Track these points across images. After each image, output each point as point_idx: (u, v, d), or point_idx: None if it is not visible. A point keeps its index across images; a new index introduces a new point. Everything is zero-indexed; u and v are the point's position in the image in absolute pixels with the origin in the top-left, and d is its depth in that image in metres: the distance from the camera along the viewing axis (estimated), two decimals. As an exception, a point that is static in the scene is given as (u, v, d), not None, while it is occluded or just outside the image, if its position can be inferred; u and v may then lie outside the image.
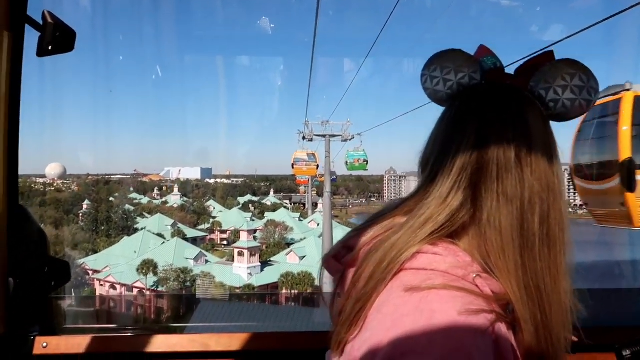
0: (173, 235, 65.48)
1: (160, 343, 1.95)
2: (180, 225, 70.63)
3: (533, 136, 1.02)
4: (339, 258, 1.12)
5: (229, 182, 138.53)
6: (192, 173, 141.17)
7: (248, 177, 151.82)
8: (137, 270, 49.17)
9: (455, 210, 1.00)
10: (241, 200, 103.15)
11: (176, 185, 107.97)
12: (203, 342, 1.94)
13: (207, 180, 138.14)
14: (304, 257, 52.38)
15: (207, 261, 53.49)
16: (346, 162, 31.52)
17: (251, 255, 50.27)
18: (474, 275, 0.96)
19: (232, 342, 1.95)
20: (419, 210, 1.02)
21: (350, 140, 32.45)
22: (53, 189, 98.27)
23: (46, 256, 1.83)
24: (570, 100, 1.05)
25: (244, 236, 52.91)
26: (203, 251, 56.02)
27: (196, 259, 52.20)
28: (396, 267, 0.97)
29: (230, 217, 78.78)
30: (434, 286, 0.92)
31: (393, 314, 0.92)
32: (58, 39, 1.65)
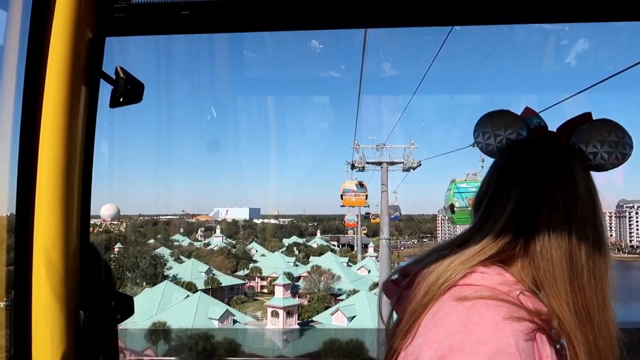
0: (206, 284, 55.23)
1: None
2: (215, 271, 60.04)
3: (577, 182, 1.12)
4: (397, 283, 1.22)
5: (277, 222, 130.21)
6: (241, 213, 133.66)
7: (296, 217, 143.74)
8: (145, 335, 38.10)
9: (505, 245, 1.10)
10: (286, 242, 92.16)
11: (218, 226, 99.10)
12: None
13: (255, 220, 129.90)
14: (354, 317, 38.81)
15: (235, 321, 40.72)
16: (451, 206, 16.29)
17: (288, 315, 38.47)
18: (518, 293, 1.05)
19: None
20: (473, 245, 1.12)
21: (415, 168, 23.03)
22: (101, 229, 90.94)
23: (112, 290, 1.87)
24: (607, 153, 1.15)
25: (279, 291, 40.92)
26: (230, 309, 43.13)
27: (221, 319, 39.50)
28: (449, 284, 1.06)
29: (271, 262, 67.49)
30: (481, 296, 1.02)
31: (444, 319, 1.01)
32: (129, 91, 1.79)
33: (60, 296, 1.64)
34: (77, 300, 1.69)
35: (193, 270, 59.10)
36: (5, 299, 1.78)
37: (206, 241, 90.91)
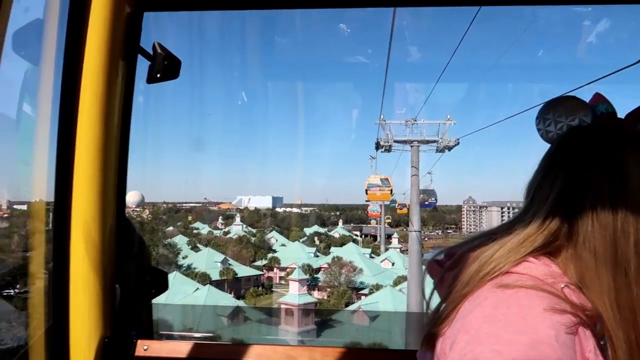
0: (221, 275, 55.49)
1: (247, 353, 1.99)
2: (231, 261, 60.19)
3: (629, 170, 1.07)
4: (441, 263, 1.23)
5: (299, 211, 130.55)
6: (263, 202, 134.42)
7: (318, 206, 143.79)
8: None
9: (552, 233, 1.10)
10: (307, 231, 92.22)
11: (238, 214, 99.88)
12: (286, 352, 1.97)
13: (277, 209, 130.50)
14: (376, 317, 38.11)
15: (246, 318, 37.49)
16: None
17: (304, 315, 36.25)
18: (563, 285, 1.05)
19: (315, 355, 1.96)
20: (519, 231, 1.12)
21: (451, 148, 21.62)
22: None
23: (147, 266, 1.96)
24: None
25: (294, 287, 39.74)
26: (242, 304, 42.97)
27: (231, 316, 36.61)
28: (491, 277, 1.06)
29: (291, 252, 67.41)
30: (523, 285, 1.02)
31: (484, 306, 1.01)
32: (166, 67, 1.83)
33: (98, 270, 1.72)
34: (114, 274, 1.77)
35: (208, 259, 58.76)
36: (44, 271, 1.87)
37: (226, 229, 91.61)
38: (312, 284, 54.12)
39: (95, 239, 1.68)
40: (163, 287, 1.88)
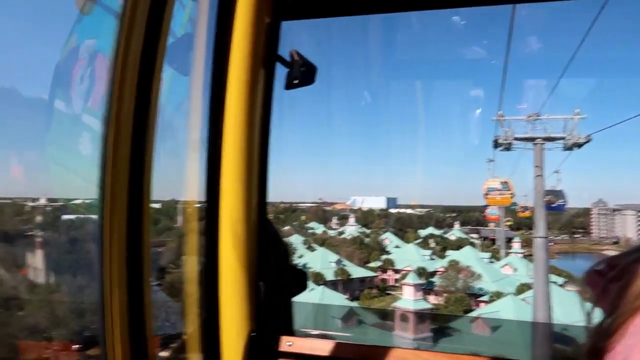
0: (336, 275, 56.31)
1: (388, 355, 2.01)
2: (345, 262, 61.01)
3: None
4: (601, 273, 1.15)
5: (413, 212, 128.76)
6: (377, 202, 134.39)
7: (433, 207, 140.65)
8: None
9: None
10: (422, 233, 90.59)
11: (352, 215, 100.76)
12: (427, 358, 1.99)
13: (391, 210, 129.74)
14: (498, 327, 35.92)
15: (360, 321, 37.24)
16: None
17: (419, 321, 34.71)
18: None
19: None
20: None
21: (581, 146, 19.24)
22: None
23: (287, 264, 2.08)
24: None
25: (408, 292, 38.74)
26: (356, 306, 42.43)
27: (344, 318, 35.90)
28: None
29: (405, 254, 66.87)
30: None
31: None
32: (303, 73, 1.96)
33: (243, 267, 1.85)
34: (257, 271, 1.89)
35: (323, 259, 59.95)
36: (196, 267, 2.04)
37: (340, 229, 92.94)
38: (427, 288, 53.02)
39: (241, 237, 1.81)
40: (302, 286, 1.96)
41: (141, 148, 1.49)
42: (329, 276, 55.99)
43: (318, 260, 59.73)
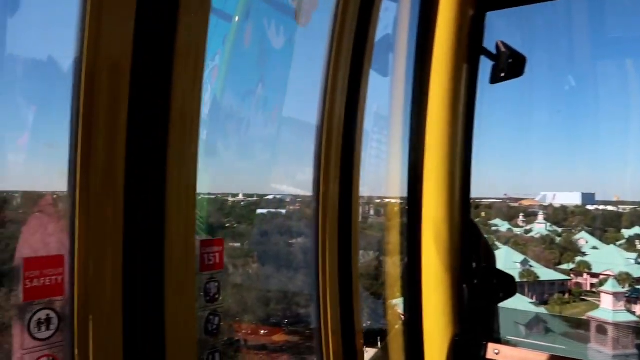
0: (521, 277, 52.73)
1: None
2: (532, 263, 56.78)
3: None
4: None
5: (614, 209, 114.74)
6: (572, 198, 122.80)
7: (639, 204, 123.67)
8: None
9: None
10: (626, 233, 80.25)
11: (541, 212, 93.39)
12: None
13: (588, 207, 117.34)
14: None
15: (547, 329, 33.56)
16: None
17: (620, 335, 29.78)
18: None
19: None
20: None
21: None
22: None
23: (493, 268, 2.03)
24: None
25: (606, 301, 34.76)
26: (544, 313, 38.73)
27: (530, 324, 32.41)
28: None
29: (604, 257, 59.93)
30: None
31: None
32: (510, 65, 1.90)
33: (447, 269, 1.82)
34: (461, 274, 1.84)
35: (506, 259, 56.62)
36: (398, 267, 2.08)
37: (527, 227, 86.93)
38: (632, 297, 46.94)
39: (444, 238, 1.78)
40: (511, 291, 1.86)
41: (351, 149, 1.54)
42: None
43: (501, 260, 56.32)
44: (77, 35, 1.29)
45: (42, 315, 1.29)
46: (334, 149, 1.52)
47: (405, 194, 1.92)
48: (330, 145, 1.53)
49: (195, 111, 1.44)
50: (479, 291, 1.85)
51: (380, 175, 2.32)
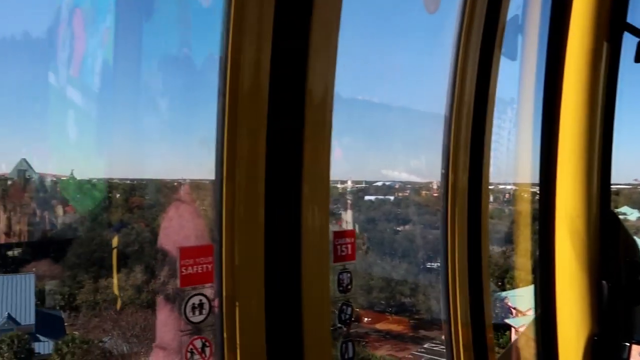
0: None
1: None
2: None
3: None
4: None
5: None
6: None
7: None
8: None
9: None
10: None
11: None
12: None
13: None
14: None
15: None
16: None
17: None
18: None
19: None
20: None
21: None
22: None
23: (638, 264, 1.79)
24: None
25: None
26: None
27: None
28: None
29: None
30: None
31: None
32: None
33: (583, 265, 1.70)
34: (600, 270, 1.71)
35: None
36: (530, 261, 1.99)
37: (661, 215, 78.92)
38: None
39: (580, 233, 1.67)
40: None
41: (481, 138, 1.50)
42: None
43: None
44: (221, 42, 1.41)
45: (195, 300, 1.43)
46: (462, 138, 1.49)
47: (535, 184, 1.82)
48: (459, 135, 1.50)
49: (328, 103, 1.48)
50: (621, 289, 1.69)
51: (508, 163, 2.21)
